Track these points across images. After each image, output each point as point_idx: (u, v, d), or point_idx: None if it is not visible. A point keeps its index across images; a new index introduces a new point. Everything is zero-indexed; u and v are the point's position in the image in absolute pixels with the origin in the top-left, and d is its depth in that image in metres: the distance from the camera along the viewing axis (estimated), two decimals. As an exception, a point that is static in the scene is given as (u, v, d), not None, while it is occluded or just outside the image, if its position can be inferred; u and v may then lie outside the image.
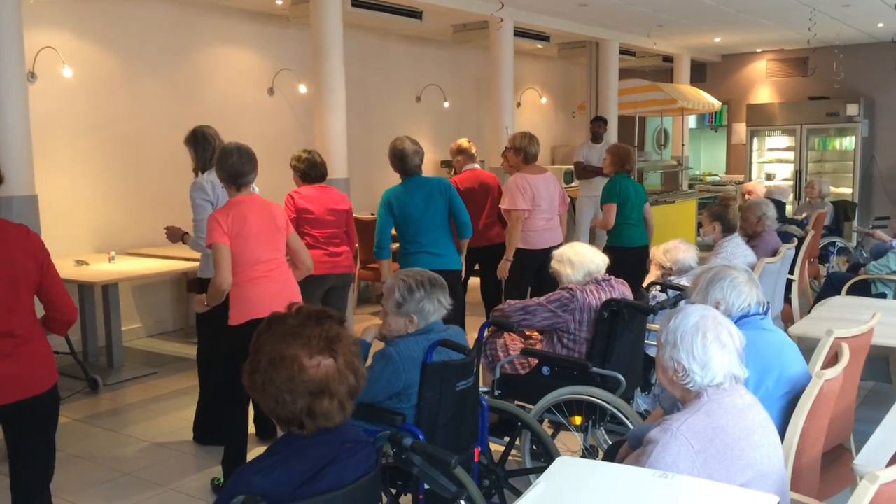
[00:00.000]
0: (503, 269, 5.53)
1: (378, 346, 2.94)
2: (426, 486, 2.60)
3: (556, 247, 5.44)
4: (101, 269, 5.65)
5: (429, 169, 9.41)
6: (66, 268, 5.62)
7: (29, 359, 2.76)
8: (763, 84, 12.61)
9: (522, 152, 5.61)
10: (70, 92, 6.30)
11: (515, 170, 5.67)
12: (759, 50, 12.33)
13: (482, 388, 3.33)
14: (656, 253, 4.65)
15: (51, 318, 2.94)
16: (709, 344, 2.01)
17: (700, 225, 6.47)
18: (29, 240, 2.81)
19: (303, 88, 7.99)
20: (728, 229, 4.98)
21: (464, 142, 6.19)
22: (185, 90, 7.12)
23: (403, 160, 4.79)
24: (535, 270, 5.60)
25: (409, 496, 2.69)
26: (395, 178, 4.91)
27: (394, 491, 2.73)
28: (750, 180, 11.70)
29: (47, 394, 2.82)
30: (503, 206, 5.59)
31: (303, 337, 1.75)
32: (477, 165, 6.17)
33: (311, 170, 4.91)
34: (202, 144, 4.28)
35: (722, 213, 5.00)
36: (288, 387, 1.72)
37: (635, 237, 5.98)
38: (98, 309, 6.01)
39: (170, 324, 7.04)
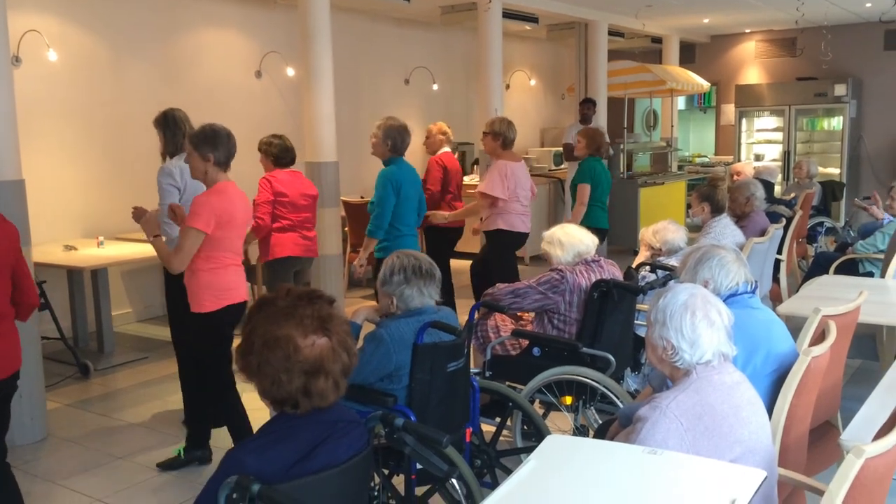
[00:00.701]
0: (438, 216, 5.70)
1: (368, 328, 2.95)
2: (418, 466, 2.62)
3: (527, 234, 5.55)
4: (90, 253, 5.62)
5: (417, 151, 9.37)
6: (54, 253, 5.59)
7: (11, 338, 2.90)
8: (751, 65, 12.61)
9: (501, 137, 5.60)
10: (55, 76, 6.24)
11: (493, 155, 5.67)
12: (747, 31, 12.32)
13: (473, 370, 3.35)
14: (645, 234, 4.66)
15: (18, 303, 2.99)
16: (698, 322, 2.02)
17: (689, 206, 6.50)
18: (5, 225, 2.90)
19: (290, 71, 7.94)
20: (717, 210, 5.00)
21: (445, 125, 6.34)
22: (171, 73, 7.06)
23: (404, 139, 4.84)
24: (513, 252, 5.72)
25: (402, 476, 2.71)
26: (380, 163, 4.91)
27: (386, 471, 2.75)
28: (739, 161, 11.73)
29: (18, 372, 2.96)
30: (480, 188, 5.61)
31: (295, 317, 1.76)
32: (448, 149, 6.32)
33: (283, 154, 4.98)
34: (171, 128, 4.22)
35: (710, 193, 5.02)
36: (284, 366, 1.73)
37: (601, 219, 6.22)
38: (88, 294, 5.99)
39: (160, 308, 7.01)
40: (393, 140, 4.78)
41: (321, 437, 1.78)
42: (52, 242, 5.94)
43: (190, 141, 3.58)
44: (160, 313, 7.01)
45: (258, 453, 1.70)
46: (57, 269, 5.59)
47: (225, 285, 3.63)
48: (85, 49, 6.44)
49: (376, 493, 2.62)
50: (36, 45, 6.07)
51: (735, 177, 7.58)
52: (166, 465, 3.92)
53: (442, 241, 5.98)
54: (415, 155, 6.29)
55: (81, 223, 6.44)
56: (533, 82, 11.84)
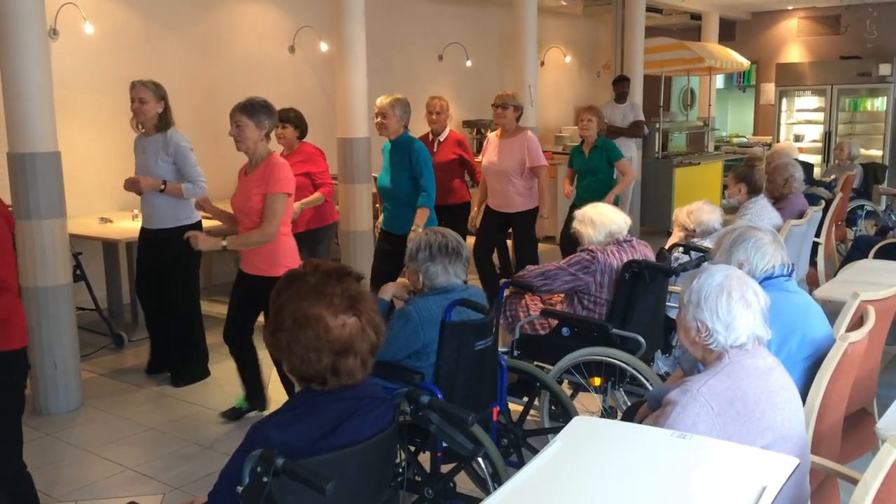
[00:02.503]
0: (542, 226, 5.67)
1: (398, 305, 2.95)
2: (444, 444, 2.62)
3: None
4: (125, 226, 5.69)
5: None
6: (90, 225, 5.67)
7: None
8: (793, 43, 12.31)
9: (521, 111, 5.64)
10: (92, 49, 6.29)
11: (510, 128, 5.62)
12: (790, 7, 12.01)
13: (501, 349, 3.33)
14: (679, 214, 4.58)
15: None
16: (733, 304, 1.97)
17: (725, 187, 6.38)
18: (1, 202, 2.83)
19: (324, 46, 7.92)
20: (754, 191, 4.89)
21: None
22: (205, 47, 7.08)
23: (410, 113, 4.85)
24: None
25: (428, 453, 2.71)
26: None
27: (412, 448, 2.75)
28: (778, 142, 11.50)
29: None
30: (541, 162, 5.57)
31: (326, 296, 1.76)
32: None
33: (305, 128, 5.29)
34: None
35: (748, 174, 4.91)
36: (314, 346, 1.73)
37: None
38: (123, 266, 6.07)
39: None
40: (407, 115, 4.74)
41: (346, 414, 1.78)
42: (88, 215, 6.02)
43: (245, 111, 3.71)
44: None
45: (283, 428, 1.70)
46: (93, 241, 5.68)
47: (293, 249, 3.90)
48: (120, 22, 6.48)
49: (402, 470, 2.62)
50: (73, 18, 6.12)
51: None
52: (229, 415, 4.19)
53: (456, 218, 5.94)
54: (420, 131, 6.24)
55: (117, 196, 6.48)
56: (568, 59, 11.68)
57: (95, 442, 3.96)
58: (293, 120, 5.18)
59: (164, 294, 4.62)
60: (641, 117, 8.79)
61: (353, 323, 1.76)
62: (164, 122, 4.51)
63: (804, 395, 2.30)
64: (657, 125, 9.81)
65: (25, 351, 2.80)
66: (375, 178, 5.11)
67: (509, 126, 5.60)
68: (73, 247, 4.63)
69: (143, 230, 4.69)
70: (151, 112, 4.47)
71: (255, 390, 4.19)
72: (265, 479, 1.58)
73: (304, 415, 1.74)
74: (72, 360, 4.35)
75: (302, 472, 1.57)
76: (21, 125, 4.08)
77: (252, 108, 3.71)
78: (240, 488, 1.62)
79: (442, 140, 6.07)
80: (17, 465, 2.76)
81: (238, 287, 3.99)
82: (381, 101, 4.67)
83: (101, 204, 6.37)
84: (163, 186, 4.44)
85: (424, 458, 2.76)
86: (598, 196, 5.91)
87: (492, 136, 5.82)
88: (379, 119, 4.67)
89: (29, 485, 2.81)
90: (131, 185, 4.50)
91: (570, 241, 6.22)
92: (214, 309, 6.36)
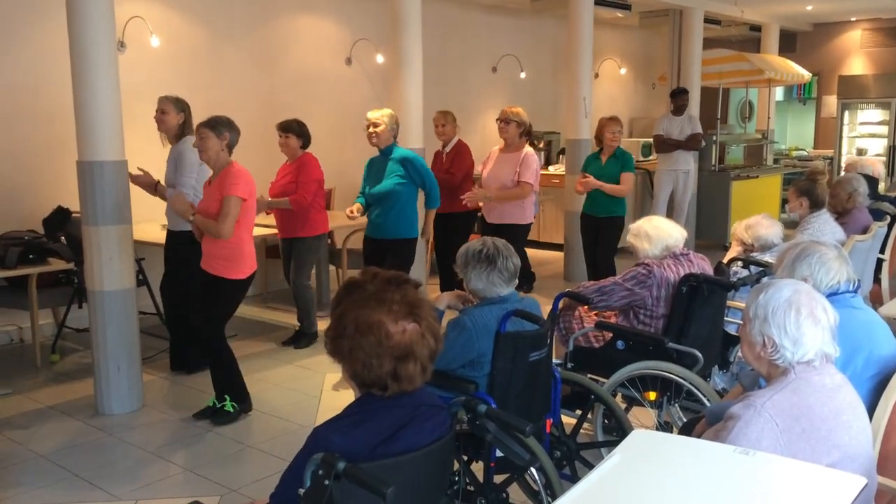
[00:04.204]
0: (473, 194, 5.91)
1: (451, 315, 2.96)
2: (498, 454, 2.61)
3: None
4: (185, 233, 5.82)
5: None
6: (152, 231, 5.82)
7: None
8: (857, 55, 12.00)
9: (524, 128, 5.86)
10: (157, 61, 6.48)
11: (514, 144, 5.86)
12: (853, 19, 11.72)
13: (555, 361, 3.32)
14: (738, 228, 4.50)
15: None
16: (802, 320, 1.93)
17: (785, 201, 6.26)
18: None
19: (380, 58, 8.01)
20: (816, 205, 4.78)
21: None
22: (265, 59, 7.23)
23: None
24: None
25: (481, 464, 2.71)
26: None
27: (466, 458, 2.76)
28: (840, 155, 11.21)
29: None
30: (528, 179, 5.79)
31: (385, 302, 1.78)
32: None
33: (308, 137, 5.50)
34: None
35: (810, 188, 4.81)
36: (376, 352, 1.76)
37: None
38: (182, 272, 6.21)
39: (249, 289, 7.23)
40: (396, 127, 5.07)
41: (405, 420, 1.79)
42: (150, 221, 6.18)
43: (207, 125, 4.10)
44: (249, 293, 7.21)
45: (344, 432, 1.73)
46: (155, 247, 5.82)
47: (250, 255, 4.24)
48: (185, 35, 6.67)
49: (456, 479, 2.63)
50: (139, 31, 6.32)
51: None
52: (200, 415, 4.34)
53: (463, 227, 6.30)
54: (487, 141, 6.28)
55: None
56: (623, 71, 11.59)
57: (155, 443, 4.05)
58: (296, 129, 5.42)
59: (184, 291, 4.83)
60: (699, 130, 8.68)
61: (412, 329, 1.78)
62: (182, 132, 4.89)
63: (870, 414, 2.24)
64: (714, 138, 9.66)
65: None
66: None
67: (511, 140, 5.87)
68: (136, 252, 4.76)
69: (168, 231, 5.09)
70: (172, 123, 4.90)
71: (228, 387, 4.34)
72: (326, 483, 1.60)
73: (364, 420, 1.77)
74: (134, 363, 4.48)
75: (363, 476, 1.58)
76: (90, 134, 4.23)
77: (214, 123, 4.12)
78: (301, 491, 1.64)
79: (448, 151, 6.42)
80: None
81: (196, 282, 4.33)
82: (373, 113, 4.99)
83: (163, 211, 6.53)
84: (156, 187, 4.88)
85: (477, 468, 2.76)
86: (607, 203, 6.22)
87: (494, 150, 6.07)
88: (371, 129, 4.96)
89: None
90: (135, 179, 4.83)
91: (590, 252, 6.34)
92: (270, 315, 6.48)
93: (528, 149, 5.91)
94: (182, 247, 4.77)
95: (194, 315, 4.36)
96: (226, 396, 4.30)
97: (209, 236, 4.14)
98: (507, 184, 5.81)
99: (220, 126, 4.12)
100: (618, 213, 6.29)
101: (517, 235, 5.82)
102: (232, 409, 4.28)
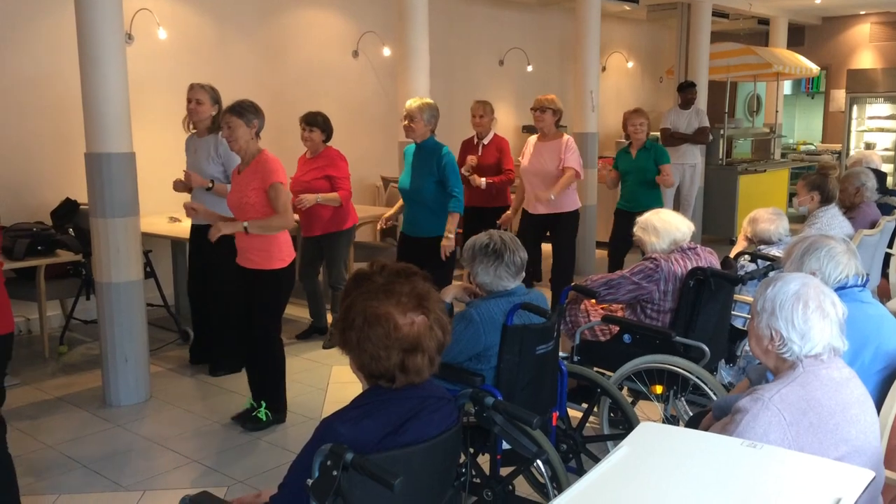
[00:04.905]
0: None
1: (458, 307, 2.96)
2: (505, 447, 2.62)
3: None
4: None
5: (510, 133, 9.32)
6: (159, 224, 5.85)
7: None
8: (865, 48, 11.93)
9: (559, 116, 5.72)
10: (164, 53, 6.49)
11: (549, 132, 5.73)
12: (862, 12, 11.65)
13: (562, 354, 3.32)
14: (746, 222, 4.49)
15: None
16: (810, 313, 1.93)
17: (792, 195, 6.24)
18: None
19: (387, 51, 8.01)
20: (826, 200, 4.77)
21: None
22: (272, 52, 7.23)
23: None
24: None
25: (487, 456, 2.72)
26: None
27: (472, 450, 2.76)
28: (848, 150, 11.16)
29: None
30: (573, 165, 5.61)
31: (394, 294, 1.79)
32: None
33: (331, 132, 5.34)
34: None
35: (821, 182, 4.78)
36: (384, 343, 1.76)
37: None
38: (189, 264, 6.23)
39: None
40: (435, 120, 4.76)
41: (412, 412, 1.80)
42: (157, 214, 6.21)
43: (234, 112, 3.87)
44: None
45: (352, 423, 1.73)
46: (162, 240, 5.85)
47: (287, 243, 4.00)
48: (192, 27, 6.67)
49: (462, 471, 2.63)
50: (147, 24, 6.33)
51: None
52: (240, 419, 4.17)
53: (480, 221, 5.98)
54: (461, 134, 6.26)
55: (185, 196, 6.69)
56: (630, 64, 11.55)
57: (162, 434, 4.07)
58: (321, 124, 5.27)
59: (211, 289, 4.79)
60: (706, 123, 8.65)
61: (421, 321, 1.79)
62: (215, 124, 4.69)
63: (878, 408, 2.23)
64: (721, 132, 9.63)
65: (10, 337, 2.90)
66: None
67: (548, 129, 5.73)
68: (143, 245, 4.78)
69: (193, 227, 4.91)
70: (206, 114, 4.72)
71: (272, 394, 4.14)
72: (335, 473, 1.60)
73: (372, 412, 1.77)
74: (141, 354, 4.49)
75: (371, 466, 1.59)
76: (98, 127, 4.24)
77: (241, 110, 3.87)
78: (309, 481, 1.65)
79: (486, 143, 6.18)
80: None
81: (239, 283, 4.09)
82: (410, 104, 4.71)
83: (170, 203, 6.55)
84: (210, 185, 4.66)
85: (483, 461, 2.76)
86: (644, 198, 5.99)
87: (531, 140, 5.91)
88: (406, 122, 4.70)
89: (10, 469, 2.89)
90: (181, 184, 4.75)
91: (618, 248, 6.23)
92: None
93: (567, 136, 5.75)
94: (210, 243, 4.42)
95: (233, 315, 4.21)
96: (262, 402, 4.09)
97: (268, 234, 3.89)
98: (553, 173, 5.64)
99: (248, 113, 3.90)
100: (657, 206, 6.06)
101: (567, 224, 5.75)
102: (265, 418, 4.07)
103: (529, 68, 9.82)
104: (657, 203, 6.11)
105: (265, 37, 7.18)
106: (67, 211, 5.43)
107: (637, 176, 6.09)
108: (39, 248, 4.99)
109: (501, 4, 9.49)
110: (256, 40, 7.11)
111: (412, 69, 6.09)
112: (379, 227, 5.54)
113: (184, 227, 5.76)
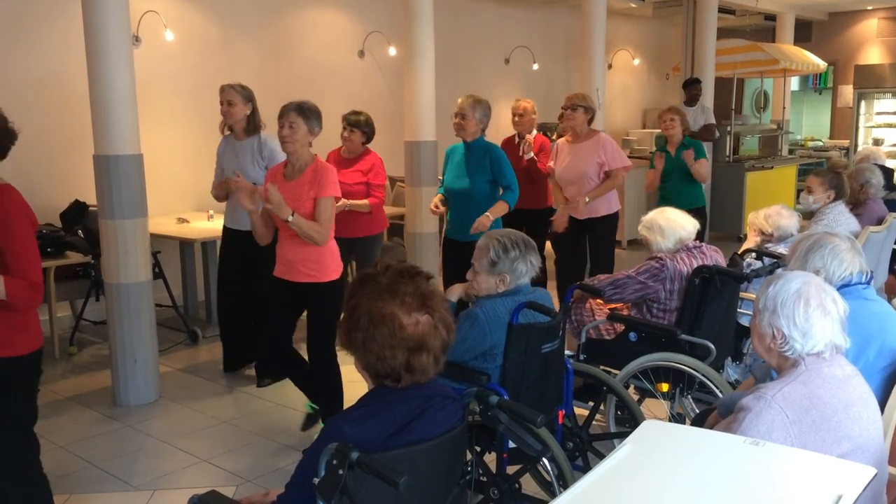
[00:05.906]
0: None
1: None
2: (510, 445, 2.63)
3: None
4: (201, 226, 5.88)
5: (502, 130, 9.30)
6: (168, 225, 5.89)
7: None
8: (873, 44, 11.88)
9: (592, 114, 5.35)
10: (171, 54, 6.52)
11: (580, 133, 5.34)
12: (869, 7, 11.60)
13: (567, 352, 3.33)
14: (756, 218, 4.45)
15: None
16: (811, 311, 1.94)
17: (800, 192, 6.22)
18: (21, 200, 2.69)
19: (392, 51, 8.02)
20: (839, 197, 4.76)
21: None
22: (278, 52, 7.26)
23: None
24: None
25: (494, 454, 2.73)
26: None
27: (478, 448, 2.78)
28: (856, 145, 11.12)
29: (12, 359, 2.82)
30: (624, 163, 5.35)
31: (398, 294, 1.80)
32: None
33: (372, 134, 5.16)
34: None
35: (839, 182, 4.76)
36: (389, 343, 1.78)
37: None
38: (198, 264, 6.27)
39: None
40: (487, 118, 4.58)
41: (417, 411, 1.82)
42: (166, 215, 6.24)
43: (301, 113, 3.61)
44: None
45: (357, 423, 1.75)
46: (170, 241, 5.89)
47: (338, 253, 3.80)
48: (198, 28, 6.70)
49: (468, 470, 2.65)
50: (154, 25, 6.36)
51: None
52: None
53: (538, 224, 5.72)
54: (500, 133, 6.25)
55: (193, 197, 6.73)
56: (636, 62, 11.54)
57: (172, 433, 4.10)
58: (363, 126, 5.07)
59: (249, 293, 4.68)
60: (712, 120, 8.63)
61: (425, 320, 1.81)
62: (252, 124, 4.59)
63: (882, 405, 2.24)
64: (728, 128, 9.61)
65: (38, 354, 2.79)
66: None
67: (580, 129, 5.30)
68: (152, 246, 4.81)
69: (229, 230, 4.75)
70: (240, 114, 4.56)
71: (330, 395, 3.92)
72: (340, 472, 1.63)
73: (377, 411, 1.79)
74: (150, 355, 4.53)
75: (376, 465, 1.61)
76: (106, 128, 4.27)
77: (308, 112, 3.63)
78: (316, 480, 1.67)
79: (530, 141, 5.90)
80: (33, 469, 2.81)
81: (280, 297, 3.79)
82: (463, 101, 4.53)
83: (179, 204, 6.60)
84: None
85: (490, 460, 2.78)
86: (686, 196, 5.85)
87: (561, 142, 5.49)
88: (458, 119, 4.51)
89: (46, 486, 2.86)
90: (223, 187, 4.55)
91: None
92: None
93: (602, 133, 5.43)
94: (249, 247, 4.22)
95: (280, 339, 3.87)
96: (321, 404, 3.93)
97: (296, 240, 3.62)
98: (592, 175, 5.26)
99: (314, 117, 3.64)
100: (700, 204, 5.97)
101: (608, 227, 5.45)
102: (311, 410, 3.99)
103: (535, 66, 9.82)
104: (702, 198, 6.08)
105: (271, 37, 7.21)
106: (76, 212, 5.48)
107: (677, 173, 5.96)
108: (49, 249, 5.03)
109: (507, 3, 9.50)
110: (263, 41, 7.14)
111: (418, 68, 6.10)
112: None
113: (192, 229, 5.79)
